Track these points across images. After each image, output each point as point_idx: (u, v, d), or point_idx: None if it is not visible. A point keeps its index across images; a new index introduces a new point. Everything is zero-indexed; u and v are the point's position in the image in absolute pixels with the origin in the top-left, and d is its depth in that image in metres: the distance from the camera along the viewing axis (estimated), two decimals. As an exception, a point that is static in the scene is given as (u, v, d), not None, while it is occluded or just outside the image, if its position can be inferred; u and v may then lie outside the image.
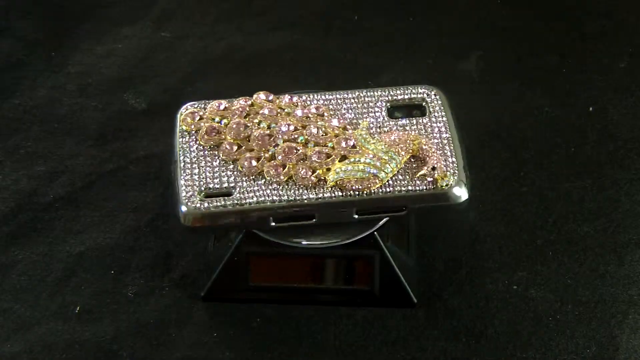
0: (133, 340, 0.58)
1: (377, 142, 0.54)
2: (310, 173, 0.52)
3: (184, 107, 0.57)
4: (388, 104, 0.56)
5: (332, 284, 0.60)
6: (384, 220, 0.54)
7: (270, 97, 0.56)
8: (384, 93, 0.57)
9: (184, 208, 0.52)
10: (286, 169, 0.53)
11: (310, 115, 0.54)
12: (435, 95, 0.57)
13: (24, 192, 0.67)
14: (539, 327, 0.59)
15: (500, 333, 0.59)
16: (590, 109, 0.73)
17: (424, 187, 0.52)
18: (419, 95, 0.57)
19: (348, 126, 0.54)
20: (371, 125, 0.55)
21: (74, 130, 0.71)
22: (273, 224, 0.53)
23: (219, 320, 0.59)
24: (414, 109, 0.57)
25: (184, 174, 0.53)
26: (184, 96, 0.73)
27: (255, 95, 0.56)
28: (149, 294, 0.61)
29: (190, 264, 0.62)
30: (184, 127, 0.56)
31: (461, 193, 0.53)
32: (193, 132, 0.55)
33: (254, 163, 0.53)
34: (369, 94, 0.57)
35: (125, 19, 0.80)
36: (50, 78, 0.75)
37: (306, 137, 0.53)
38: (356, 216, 0.53)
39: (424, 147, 0.53)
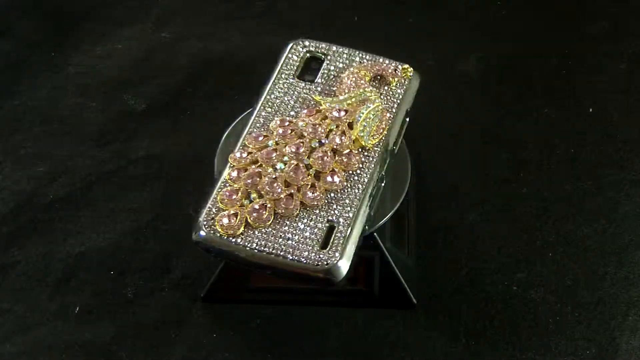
0: (133, 340, 0.58)
1: (350, 95, 0.54)
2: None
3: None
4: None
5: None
6: (384, 220, 0.54)
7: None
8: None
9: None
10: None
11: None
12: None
13: (24, 193, 0.67)
14: (539, 328, 0.59)
15: (500, 334, 0.59)
16: (590, 110, 0.73)
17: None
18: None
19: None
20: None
21: (74, 131, 0.71)
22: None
23: (218, 321, 0.60)
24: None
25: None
26: (184, 96, 0.73)
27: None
28: (149, 295, 0.61)
29: (190, 264, 0.62)
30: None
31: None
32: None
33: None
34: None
35: (125, 20, 0.80)
36: (51, 78, 0.75)
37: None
38: None
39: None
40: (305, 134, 0.52)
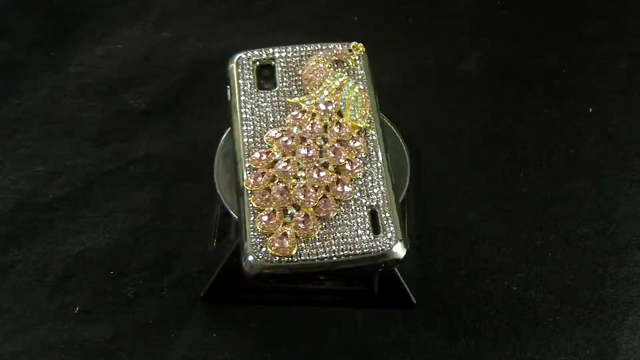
0: (132, 340, 0.58)
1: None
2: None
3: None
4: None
5: (331, 284, 0.60)
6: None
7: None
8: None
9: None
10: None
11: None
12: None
13: (24, 192, 0.67)
14: (539, 328, 0.59)
15: (499, 334, 0.59)
16: (590, 110, 0.73)
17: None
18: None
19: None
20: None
21: (73, 131, 0.71)
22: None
23: (218, 320, 0.59)
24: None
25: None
26: (184, 96, 0.73)
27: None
28: (149, 295, 0.61)
29: (189, 264, 0.62)
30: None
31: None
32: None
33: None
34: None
35: (125, 20, 0.80)
36: (50, 78, 0.75)
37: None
38: None
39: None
40: (307, 136, 0.52)
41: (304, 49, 0.57)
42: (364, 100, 0.54)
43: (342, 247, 0.49)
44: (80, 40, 0.78)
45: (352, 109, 0.53)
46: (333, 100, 0.53)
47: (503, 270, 0.62)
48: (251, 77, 0.55)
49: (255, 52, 0.57)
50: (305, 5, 0.82)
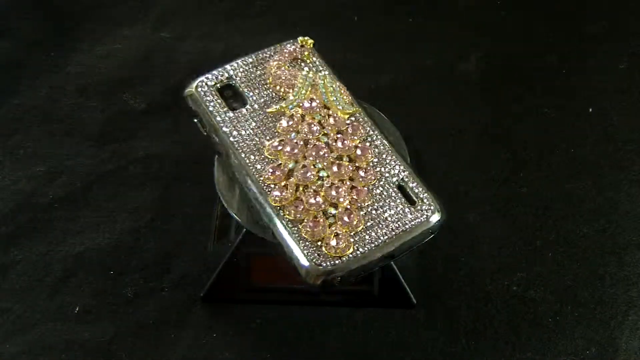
0: (132, 340, 0.58)
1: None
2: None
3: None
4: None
5: (331, 284, 0.60)
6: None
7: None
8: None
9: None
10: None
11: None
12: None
13: (24, 193, 0.67)
14: (539, 328, 0.59)
15: (499, 334, 0.59)
16: (590, 110, 0.73)
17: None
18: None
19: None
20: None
21: (73, 131, 0.71)
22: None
23: (218, 320, 0.59)
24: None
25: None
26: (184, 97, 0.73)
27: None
28: (149, 295, 0.61)
29: (189, 264, 0.62)
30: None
31: None
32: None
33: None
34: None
35: (125, 20, 0.80)
36: (50, 78, 0.75)
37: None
38: None
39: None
40: (309, 137, 0.52)
41: (257, 57, 0.57)
42: (340, 87, 0.54)
43: (391, 227, 0.49)
44: (80, 40, 0.78)
45: (335, 99, 0.54)
46: (314, 97, 0.54)
47: (503, 270, 0.62)
48: (218, 100, 0.54)
49: (210, 77, 0.55)
50: (305, 5, 0.82)
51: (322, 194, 0.50)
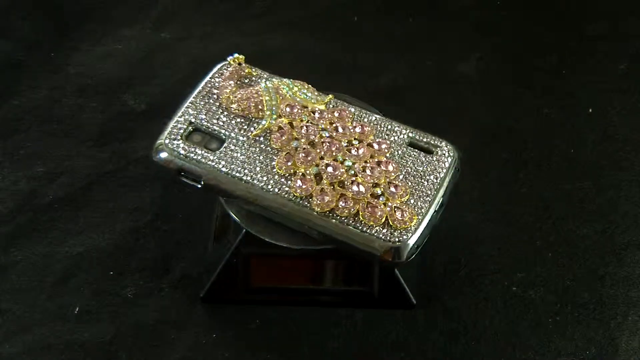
0: (132, 341, 0.58)
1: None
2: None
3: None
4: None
5: (331, 285, 0.60)
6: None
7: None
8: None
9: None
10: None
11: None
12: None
13: (24, 193, 0.67)
14: (539, 328, 0.59)
15: (499, 334, 0.59)
16: (590, 110, 0.73)
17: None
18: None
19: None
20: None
21: (73, 131, 0.71)
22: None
23: (218, 321, 0.59)
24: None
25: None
26: (184, 97, 0.73)
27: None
28: (148, 295, 0.61)
29: (189, 265, 0.62)
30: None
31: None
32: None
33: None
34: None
35: (125, 20, 0.80)
36: (50, 78, 0.75)
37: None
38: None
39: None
40: (313, 138, 0.52)
41: (203, 92, 0.56)
42: (301, 83, 0.55)
43: (429, 180, 0.52)
44: (80, 40, 0.78)
45: (305, 96, 0.55)
46: (286, 104, 0.54)
47: (503, 270, 0.62)
48: (194, 147, 0.53)
49: (172, 131, 0.54)
50: (305, 5, 0.82)
51: (359, 180, 0.51)
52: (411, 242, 0.50)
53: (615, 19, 0.80)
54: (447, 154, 0.54)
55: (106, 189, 0.67)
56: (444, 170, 0.53)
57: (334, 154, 0.52)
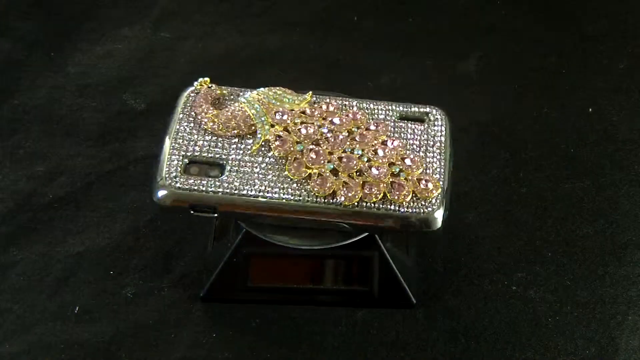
0: (132, 340, 0.58)
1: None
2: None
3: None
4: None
5: (331, 284, 0.60)
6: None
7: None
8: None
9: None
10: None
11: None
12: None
13: (23, 193, 0.67)
14: (538, 328, 0.59)
15: (499, 334, 0.59)
16: (590, 110, 0.73)
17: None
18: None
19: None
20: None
21: (73, 131, 0.71)
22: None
23: (218, 320, 0.59)
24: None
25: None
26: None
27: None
28: (148, 295, 0.61)
29: (189, 264, 0.62)
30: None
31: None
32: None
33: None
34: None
35: (124, 20, 0.80)
36: (50, 78, 0.75)
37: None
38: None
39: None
40: (315, 137, 0.52)
41: (183, 119, 0.54)
42: (278, 89, 0.55)
43: (435, 147, 0.53)
44: (80, 40, 0.78)
45: (287, 100, 0.54)
46: (276, 110, 0.54)
47: (502, 270, 0.62)
48: (198, 179, 0.51)
49: (170, 169, 0.52)
50: (305, 5, 0.82)
51: (376, 164, 0.51)
52: (442, 207, 0.51)
53: (615, 18, 0.80)
54: (438, 119, 0.55)
55: (106, 188, 0.67)
56: (441, 134, 0.54)
57: (342, 146, 0.52)
